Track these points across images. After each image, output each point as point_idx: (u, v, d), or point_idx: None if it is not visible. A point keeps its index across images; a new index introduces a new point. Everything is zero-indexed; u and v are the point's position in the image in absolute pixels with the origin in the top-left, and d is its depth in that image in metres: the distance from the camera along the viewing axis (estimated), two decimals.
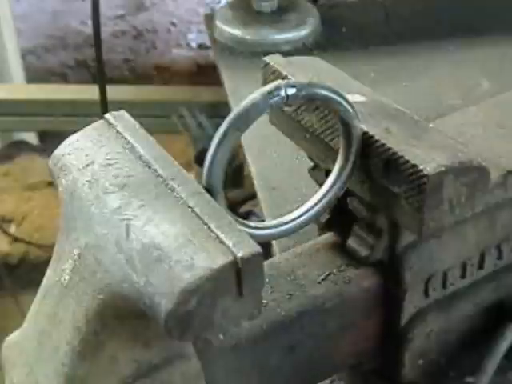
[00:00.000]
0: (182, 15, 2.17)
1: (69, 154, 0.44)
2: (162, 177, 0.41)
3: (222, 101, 0.98)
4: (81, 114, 1.63)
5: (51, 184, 0.46)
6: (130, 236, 0.38)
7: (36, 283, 0.45)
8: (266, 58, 0.52)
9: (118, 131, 0.45)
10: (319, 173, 0.52)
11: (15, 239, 1.87)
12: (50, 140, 2.08)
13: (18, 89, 2.03)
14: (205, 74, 2.14)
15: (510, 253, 0.55)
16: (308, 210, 0.47)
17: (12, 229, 1.93)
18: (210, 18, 1.13)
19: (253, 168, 0.80)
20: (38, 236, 1.90)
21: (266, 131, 0.55)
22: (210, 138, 0.41)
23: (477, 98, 0.84)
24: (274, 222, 0.46)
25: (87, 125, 0.46)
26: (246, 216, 1.20)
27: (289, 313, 0.47)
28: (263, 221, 0.61)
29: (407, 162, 0.44)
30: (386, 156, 0.45)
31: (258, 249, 0.37)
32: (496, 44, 1.00)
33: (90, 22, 1.51)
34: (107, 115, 0.46)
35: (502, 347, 0.53)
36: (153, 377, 0.41)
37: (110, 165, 0.43)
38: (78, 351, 0.40)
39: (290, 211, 0.47)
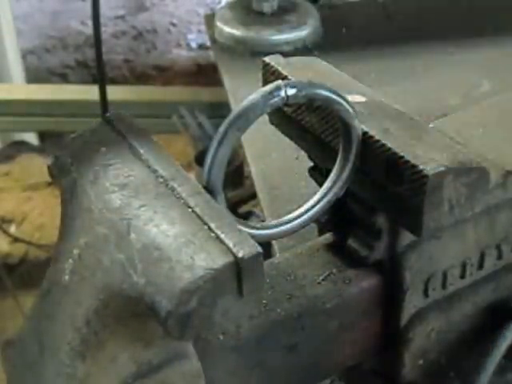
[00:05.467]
0: (182, 16, 2.17)
1: (69, 155, 0.44)
2: (162, 177, 0.41)
3: (222, 101, 0.98)
4: (81, 115, 1.63)
5: (51, 184, 0.46)
6: (130, 236, 0.38)
7: (36, 283, 0.45)
8: (266, 59, 0.52)
9: (118, 131, 0.45)
10: (319, 173, 0.52)
11: (15, 239, 1.87)
12: (50, 140, 2.08)
13: (18, 89, 2.03)
14: (205, 74, 2.14)
15: (509, 253, 0.55)
16: (308, 210, 0.47)
17: (12, 229, 1.93)
18: (210, 19, 1.14)
19: (253, 168, 0.80)
20: (38, 236, 1.90)
21: (266, 131, 0.55)
22: (210, 138, 0.41)
23: (477, 99, 0.85)
24: (274, 222, 0.46)
25: (87, 125, 0.46)
26: (246, 216, 1.20)
27: (289, 313, 0.47)
28: (263, 221, 0.61)
29: (407, 162, 0.44)
30: (385, 156, 0.45)
31: (258, 249, 0.37)
32: (496, 44, 1.00)
33: (90, 23, 1.51)
34: (107, 115, 0.46)
35: (502, 347, 0.53)
36: (153, 377, 0.41)
37: (110, 165, 0.43)
38: (78, 351, 0.40)
39: (290, 211, 0.47)
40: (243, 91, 0.92)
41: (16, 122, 1.83)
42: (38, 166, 2.06)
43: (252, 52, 1.04)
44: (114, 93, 1.53)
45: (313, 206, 0.47)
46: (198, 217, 0.39)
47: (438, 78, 0.94)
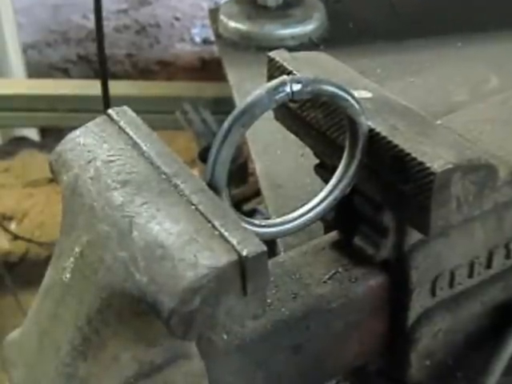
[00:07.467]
0: (186, 10, 2.17)
1: (70, 150, 0.44)
2: (165, 174, 0.41)
3: (227, 96, 0.98)
4: (83, 110, 1.63)
5: (52, 181, 0.45)
6: (132, 233, 0.38)
7: (37, 281, 0.44)
8: (271, 54, 0.51)
9: (120, 127, 0.45)
10: (325, 170, 0.52)
11: (16, 237, 1.87)
12: (52, 136, 2.08)
13: (18, 84, 2.02)
14: (209, 69, 2.14)
15: None
16: (313, 208, 0.46)
17: (12, 226, 1.93)
18: (214, 13, 1.13)
19: (257, 165, 0.80)
20: (38, 233, 1.90)
21: (270, 128, 0.54)
22: (214, 135, 0.41)
23: (485, 95, 0.84)
24: (279, 219, 0.45)
25: (89, 120, 0.46)
26: (251, 214, 1.20)
27: (294, 312, 0.47)
28: (268, 219, 0.60)
29: (414, 159, 0.43)
30: (392, 153, 0.45)
31: (262, 247, 0.37)
32: (504, 40, 1.00)
33: (92, 17, 1.50)
34: (109, 111, 0.46)
35: (510, 348, 0.52)
36: (155, 377, 0.41)
37: (112, 161, 0.42)
38: (80, 351, 0.40)
39: (295, 209, 0.46)
40: (248, 86, 0.91)
41: (17, 118, 1.83)
42: (38, 163, 2.06)
43: (257, 47, 1.03)
44: (117, 88, 1.52)
45: (318, 204, 0.46)
46: (202, 214, 0.38)
47: (445, 74, 0.94)
